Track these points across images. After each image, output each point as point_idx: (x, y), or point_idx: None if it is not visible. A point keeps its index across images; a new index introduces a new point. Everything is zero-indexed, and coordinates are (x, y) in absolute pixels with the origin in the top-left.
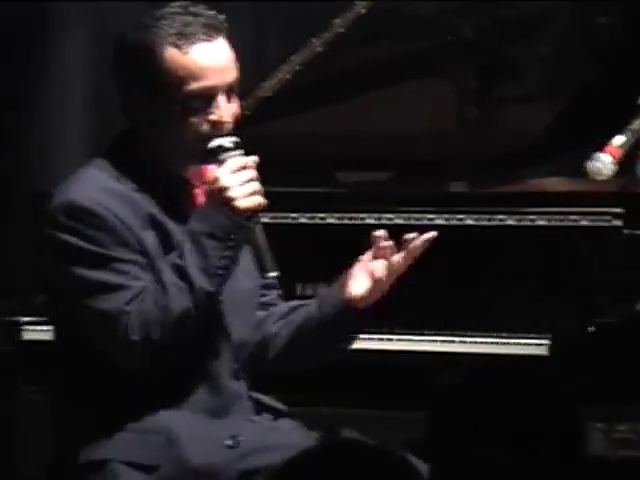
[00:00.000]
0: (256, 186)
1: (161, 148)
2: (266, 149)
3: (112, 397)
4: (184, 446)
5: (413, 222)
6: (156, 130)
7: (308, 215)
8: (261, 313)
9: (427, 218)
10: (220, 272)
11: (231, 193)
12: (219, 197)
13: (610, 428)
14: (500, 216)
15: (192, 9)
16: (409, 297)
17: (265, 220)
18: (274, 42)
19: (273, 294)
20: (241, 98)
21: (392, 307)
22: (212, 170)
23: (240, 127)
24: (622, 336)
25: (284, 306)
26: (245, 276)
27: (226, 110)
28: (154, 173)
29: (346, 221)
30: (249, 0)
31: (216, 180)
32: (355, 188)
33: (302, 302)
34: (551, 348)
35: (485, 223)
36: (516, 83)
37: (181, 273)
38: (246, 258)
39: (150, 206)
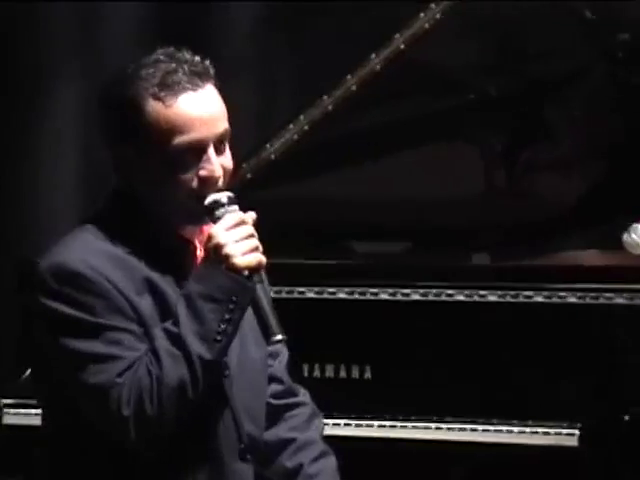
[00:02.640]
0: (255, 243)
1: (155, 207)
2: (271, 216)
3: None
4: None
5: (431, 298)
6: (148, 189)
7: (316, 289)
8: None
9: (446, 294)
10: (219, 338)
11: (228, 250)
12: (216, 255)
13: None
14: (527, 292)
15: (176, 55)
16: (425, 380)
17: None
18: (282, 99)
19: (278, 364)
20: (245, 159)
21: (407, 392)
22: (208, 228)
23: (243, 190)
24: None
25: (309, 448)
26: (255, 345)
27: (217, 164)
28: (150, 234)
29: (357, 296)
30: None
31: (212, 237)
32: (368, 260)
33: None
34: (582, 438)
35: (510, 300)
36: (546, 147)
37: (176, 341)
38: (253, 324)
39: (147, 269)
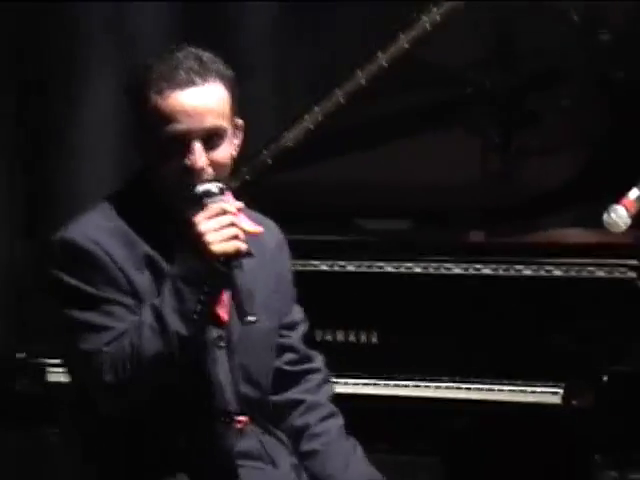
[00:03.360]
0: (235, 231)
1: (158, 190)
2: (288, 198)
3: (109, 450)
4: None
5: (431, 271)
6: (152, 172)
7: (328, 263)
8: (285, 362)
9: (445, 267)
10: (195, 317)
11: (207, 238)
12: (196, 242)
13: (622, 476)
14: (517, 266)
15: (182, 52)
16: (426, 344)
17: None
18: (297, 93)
19: (295, 334)
20: (263, 147)
21: (410, 354)
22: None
23: (265, 175)
24: (636, 385)
25: (318, 406)
26: (265, 316)
27: (200, 156)
28: (156, 214)
29: (364, 269)
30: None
31: (193, 225)
32: (374, 237)
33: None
34: (565, 396)
35: (502, 273)
36: (536, 135)
37: (158, 315)
38: (264, 297)
39: (149, 247)
